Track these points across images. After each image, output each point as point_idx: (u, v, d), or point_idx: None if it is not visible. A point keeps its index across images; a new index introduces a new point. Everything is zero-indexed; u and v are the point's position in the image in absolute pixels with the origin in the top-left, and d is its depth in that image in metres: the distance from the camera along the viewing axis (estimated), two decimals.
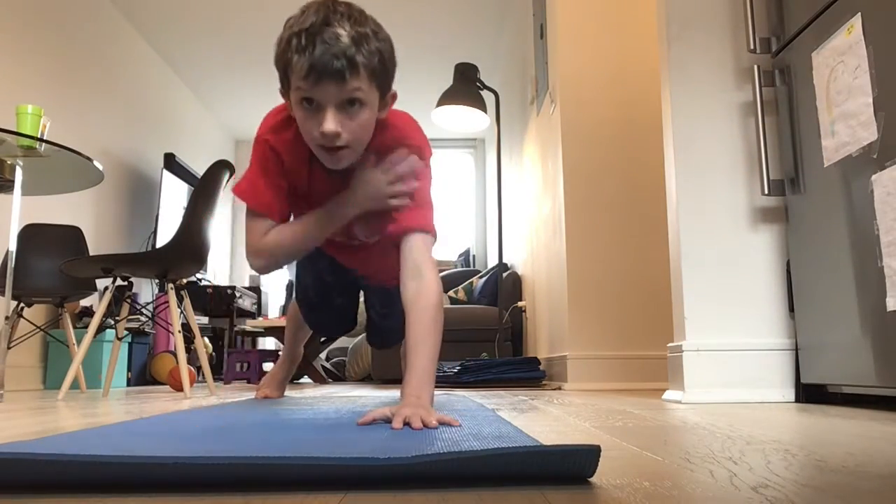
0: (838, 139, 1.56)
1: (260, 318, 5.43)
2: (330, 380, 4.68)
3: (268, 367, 4.39)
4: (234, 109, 6.24)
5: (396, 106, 1.23)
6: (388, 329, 1.75)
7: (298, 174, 1.23)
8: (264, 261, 1.23)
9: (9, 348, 2.49)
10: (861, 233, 1.48)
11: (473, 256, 6.63)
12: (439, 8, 4.65)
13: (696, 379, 1.77)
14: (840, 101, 1.55)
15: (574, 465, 0.58)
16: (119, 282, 2.67)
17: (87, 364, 3.26)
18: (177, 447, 0.73)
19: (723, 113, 1.91)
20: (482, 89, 3.74)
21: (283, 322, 4.21)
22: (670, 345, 1.90)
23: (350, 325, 1.82)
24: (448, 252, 6.54)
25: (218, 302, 5.12)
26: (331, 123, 1.05)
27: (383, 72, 1.09)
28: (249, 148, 1.29)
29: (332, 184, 1.24)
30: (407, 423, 0.93)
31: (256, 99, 5.92)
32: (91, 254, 3.33)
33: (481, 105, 3.70)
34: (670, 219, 1.95)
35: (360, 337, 4.64)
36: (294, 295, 1.85)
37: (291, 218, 1.34)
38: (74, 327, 3.37)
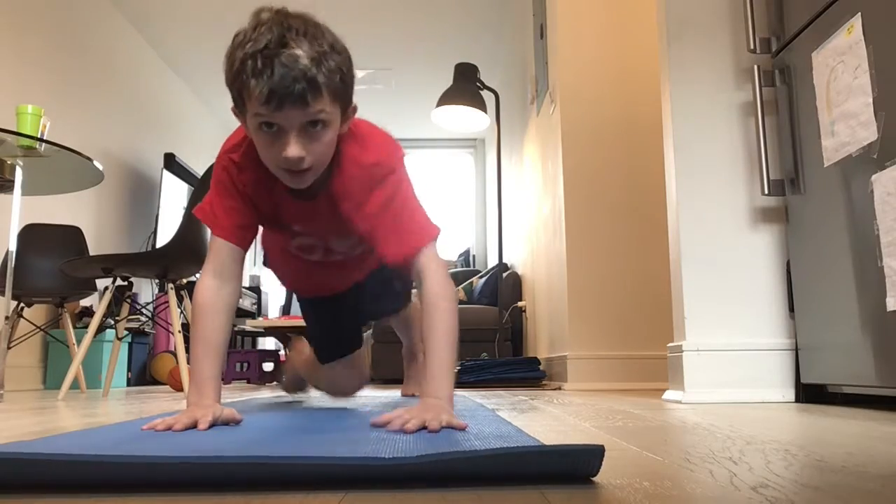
0: (838, 139, 1.56)
1: (260, 318, 5.43)
2: None
3: (268, 367, 4.39)
4: None
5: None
6: (383, 302, 1.68)
7: (261, 197, 1.18)
8: (195, 299, 1.14)
9: (9, 348, 2.49)
10: (861, 233, 1.48)
11: (473, 256, 6.63)
12: (439, 8, 4.65)
13: (696, 379, 1.78)
14: (840, 101, 1.55)
15: (578, 464, 0.58)
16: (119, 282, 2.67)
17: (87, 364, 3.25)
18: (177, 447, 0.73)
19: (723, 113, 1.91)
20: (482, 89, 3.74)
21: (283, 322, 4.21)
22: (670, 345, 1.91)
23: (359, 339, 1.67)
24: (448, 252, 6.55)
25: None
26: (294, 149, 1.00)
27: (344, 89, 1.04)
28: None
29: (301, 206, 1.20)
30: (424, 427, 0.88)
31: None
32: (91, 254, 3.33)
33: (481, 105, 3.71)
34: (670, 219, 1.95)
35: None
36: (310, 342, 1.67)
37: (259, 235, 1.31)
38: (74, 327, 3.37)
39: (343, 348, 1.56)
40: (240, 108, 1.03)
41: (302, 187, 1.09)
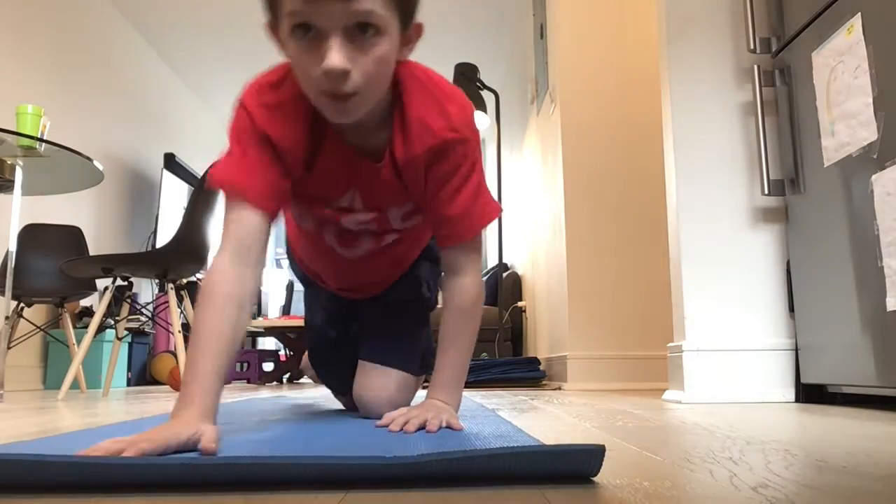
0: (838, 139, 1.56)
1: (260, 318, 5.42)
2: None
3: (268, 367, 4.39)
4: None
5: None
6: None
7: (296, 150, 0.92)
8: (205, 284, 0.86)
9: (9, 348, 2.49)
10: (861, 233, 1.48)
11: None
12: (440, 8, 4.65)
13: (696, 379, 1.77)
14: (840, 101, 1.55)
15: (578, 464, 0.58)
16: (119, 282, 2.67)
17: (87, 364, 3.26)
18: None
19: (723, 113, 1.91)
20: (482, 89, 3.74)
21: (283, 322, 4.22)
22: (670, 345, 1.91)
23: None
24: None
25: None
26: (336, 56, 0.76)
27: None
28: None
29: (344, 159, 0.95)
30: (422, 427, 0.87)
31: None
32: (91, 254, 3.33)
33: (481, 105, 3.71)
34: (670, 219, 1.95)
35: None
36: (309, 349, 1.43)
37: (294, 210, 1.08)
38: (74, 327, 3.37)
39: (345, 386, 1.33)
40: (272, 16, 0.82)
41: (347, 121, 0.85)
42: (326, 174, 0.97)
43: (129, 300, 2.88)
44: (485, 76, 3.88)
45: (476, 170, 0.97)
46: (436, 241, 1.03)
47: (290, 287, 6.04)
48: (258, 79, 0.92)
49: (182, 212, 2.63)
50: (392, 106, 0.94)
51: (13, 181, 2.39)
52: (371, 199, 1.01)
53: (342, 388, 1.37)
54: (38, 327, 3.22)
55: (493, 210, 1.00)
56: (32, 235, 3.05)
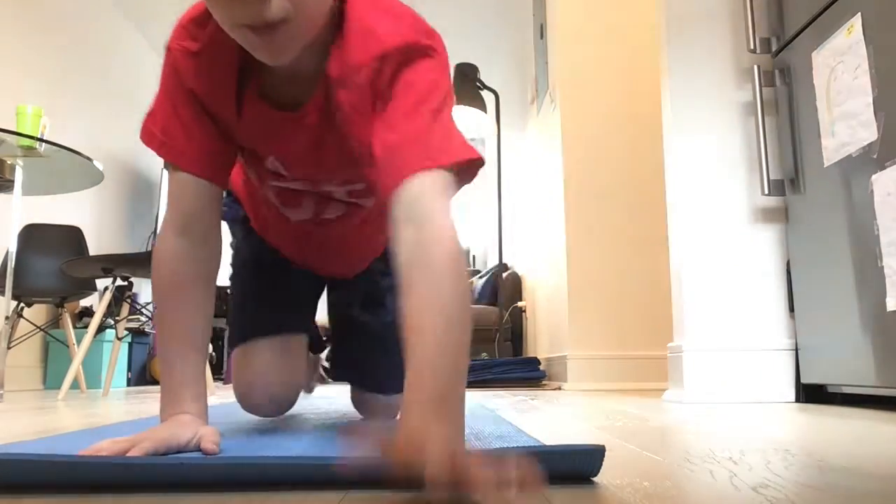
0: (838, 139, 1.56)
1: None
2: (330, 380, 4.68)
3: None
4: None
5: None
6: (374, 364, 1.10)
7: (223, 104, 0.76)
8: (154, 270, 0.78)
9: (9, 348, 2.49)
10: (861, 233, 1.48)
11: (473, 256, 6.64)
12: (439, 8, 4.66)
13: (696, 379, 1.77)
14: (840, 101, 1.55)
15: (578, 465, 0.58)
16: (119, 282, 2.67)
17: (87, 364, 3.25)
18: None
19: (723, 113, 1.91)
20: (482, 89, 3.74)
21: None
22: (670, 345, 1.91)
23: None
24: None
25: (218, 302, 5.10)
26: None
27: None
28: None
29: (259, 115, 0.77)
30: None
31: None
32: (91, 254, 3.33)
33: (481, 105, 3.71)
34: (670, 218, 1.95)
35: None
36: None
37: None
38: (74, 327, 3.37)
39: (280, 319, 1.03)
40: None
41: (283, 60, 0.67)
42: (248, 133, 0.79)
43: (129, 300, 2.88)
44: (485, 76, 3.88)
45: (441, 90, 0.70)
46: (386, 189, 0.66)
47: None
48: (185, 14, 0.78)
49: None
50: (331, 43, 0.72)
51: (13, 181, 2.39)
52: (295, 166, 0.82)
53: (265, 319, 1.05)
54: (38, 327, 3.22)
55: (464, 148, 0.67)
56: (32, 235, 3.05)
